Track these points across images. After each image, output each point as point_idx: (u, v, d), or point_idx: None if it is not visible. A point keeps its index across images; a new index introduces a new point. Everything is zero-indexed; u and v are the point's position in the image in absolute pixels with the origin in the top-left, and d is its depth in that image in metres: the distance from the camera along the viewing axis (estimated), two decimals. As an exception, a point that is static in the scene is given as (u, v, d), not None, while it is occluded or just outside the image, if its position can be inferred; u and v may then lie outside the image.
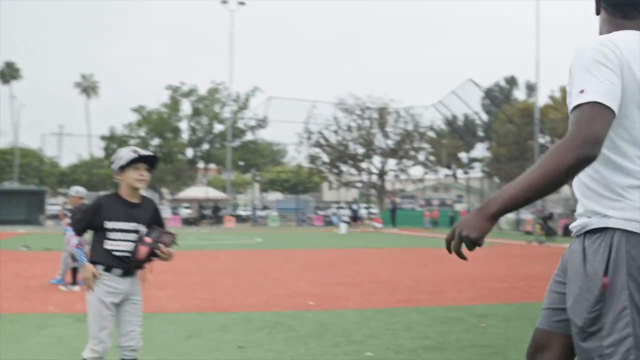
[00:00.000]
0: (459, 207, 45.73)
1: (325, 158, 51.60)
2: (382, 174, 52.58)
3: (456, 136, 57.20)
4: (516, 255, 17.77)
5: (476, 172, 60.03)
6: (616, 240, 1.97)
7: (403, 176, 55.00)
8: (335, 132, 51.02)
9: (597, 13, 2.23)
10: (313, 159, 50.97)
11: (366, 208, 52.17)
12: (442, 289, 9.53)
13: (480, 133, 55.67)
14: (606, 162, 2.02)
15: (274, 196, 63.41)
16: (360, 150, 51.64)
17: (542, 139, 48.04)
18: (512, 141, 50.85)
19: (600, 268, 1.97)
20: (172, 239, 3.81)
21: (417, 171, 56.62)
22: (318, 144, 50.52)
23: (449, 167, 58.82)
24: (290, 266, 13.30)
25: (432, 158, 56.59)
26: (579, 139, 1.85)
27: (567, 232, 30.83)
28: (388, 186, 54.60)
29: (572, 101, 1.94)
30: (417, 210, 45.26)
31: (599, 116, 1.87)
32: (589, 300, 1.98)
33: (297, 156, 51.47)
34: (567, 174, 1.87)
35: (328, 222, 42.48)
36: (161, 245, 3.72)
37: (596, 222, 2.02)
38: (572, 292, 2.05)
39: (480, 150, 58.56)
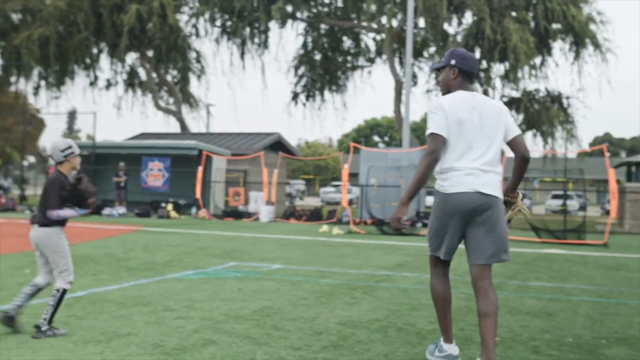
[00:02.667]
0: None
1: None
2: None
3: None
4: None
5: None
6: (440, 195, 3.79)
7: None
8: None
9: (452, 77, 3.93)
10: None
11: None
12: None
13: None
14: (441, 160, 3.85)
15: None
16: None
17: None
18: None
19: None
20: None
21: None
22: None
23: None
24: None
25: None
26: (428, 153, 3.66)
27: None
28: None
29: (427, 132, 3.71)
30: None
31: (435, 140, 3.68)
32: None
33: None
34: (430, 169, 3.69)
35: None
36: None
37: (437, 187, 3.87)
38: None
39: None
